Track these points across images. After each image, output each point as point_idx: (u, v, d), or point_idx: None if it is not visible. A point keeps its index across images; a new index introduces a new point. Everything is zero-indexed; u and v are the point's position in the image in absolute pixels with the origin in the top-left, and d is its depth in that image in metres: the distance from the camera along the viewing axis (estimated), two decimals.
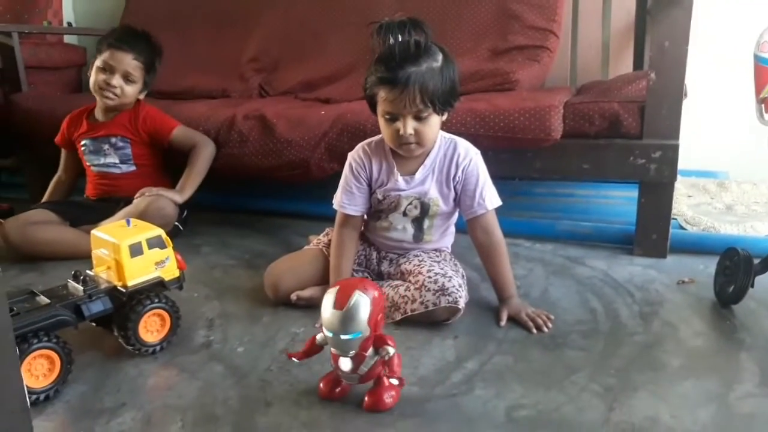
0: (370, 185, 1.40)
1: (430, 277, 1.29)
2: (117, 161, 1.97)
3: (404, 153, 1.33)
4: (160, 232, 1.23)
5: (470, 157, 1.37)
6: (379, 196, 1.40)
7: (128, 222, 1.25)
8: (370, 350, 0.99)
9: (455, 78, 1.29)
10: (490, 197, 1.37)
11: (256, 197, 2.30)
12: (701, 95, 2.26)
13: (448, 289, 1.26)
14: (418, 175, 1.37)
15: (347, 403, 1.03)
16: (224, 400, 1.05)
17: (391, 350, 0.99)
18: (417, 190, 1.37)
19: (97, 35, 2.98)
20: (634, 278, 1.54)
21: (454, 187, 1.37)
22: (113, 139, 1.96)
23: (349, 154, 1.43)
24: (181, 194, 1.87)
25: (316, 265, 1.44)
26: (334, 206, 1.42)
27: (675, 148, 1.58)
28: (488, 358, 1.17)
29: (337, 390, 1.04)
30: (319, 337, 1.04)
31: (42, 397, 1.05)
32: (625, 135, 1.64)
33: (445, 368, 1.13)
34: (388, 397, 1.01)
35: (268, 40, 2.52)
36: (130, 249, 1.17)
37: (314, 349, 1.05)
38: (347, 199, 1.40)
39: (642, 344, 1.21)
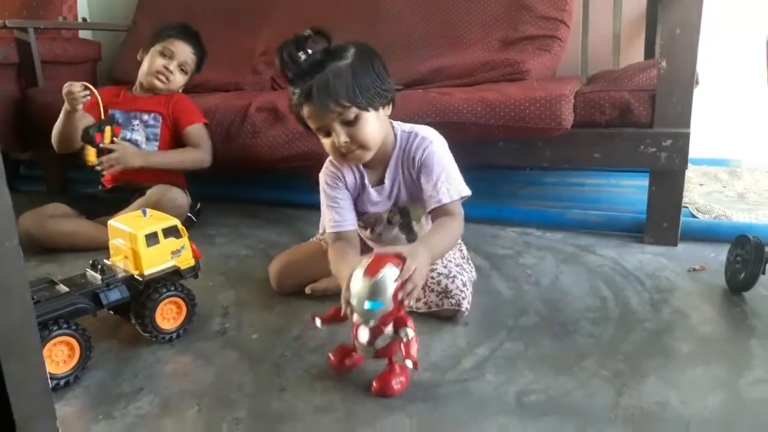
0: (351, 194, 1.34)
1: (433, 278, 1.28)
2: (141, 139, 1.98)
3: (354, 162, 1.27)
4: (175, 222, 1.25)
5: (425, 145, 1.27)
6: (359, 210, 1.35)
7: (144, 212, 1.27)
8: (390, 327, 1.01)
9: (375, 69, 1.19)
10: (448, 189, 1.24)
11: (270, 188, 2.33)
12: (713, 83, 2.24)
13: (451, 291, 1.26)
14: (387, 183, 1.31)
15: (359, 387, 1.04)
16: (239, 385, 1.07)
17: (411, 333, 1.00)
18: (389, 196, 1.33)
19: (111, 30, 3.04)
20: (645, 266, 1.54)
21: (419, 179, 1.28)
22: (145, 116, 1.98)
23: (320, 175, 1.35)
24: (144, 157, 1.88)
25: (319, 258, 1.39)
26: (327, 230, 1.33)
27: (686, 137, 1.57)
28: (499, 345, 1.18)
29: (347, 362, 1.07)
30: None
31: (62, 382, 1.08)
32: (635, 124, 1.64)
33: (456, 354, 1.15)
34: (396, 383, 1.02)
35: (279, 34, 2.51)
36: (146, 238, 1.20)
37: (338, 316, 1.07)
38: (338, 216, 1.31)
39: (652, 331, 1.21)
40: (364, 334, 1.00)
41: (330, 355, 1.08)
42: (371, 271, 0.99)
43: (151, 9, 2.85)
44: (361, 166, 1.31)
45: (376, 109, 1.20)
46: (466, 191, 1.27)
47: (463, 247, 1.47)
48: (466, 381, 1.06)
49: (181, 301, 1.25)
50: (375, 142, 1.23)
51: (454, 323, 1.26)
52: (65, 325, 1.09)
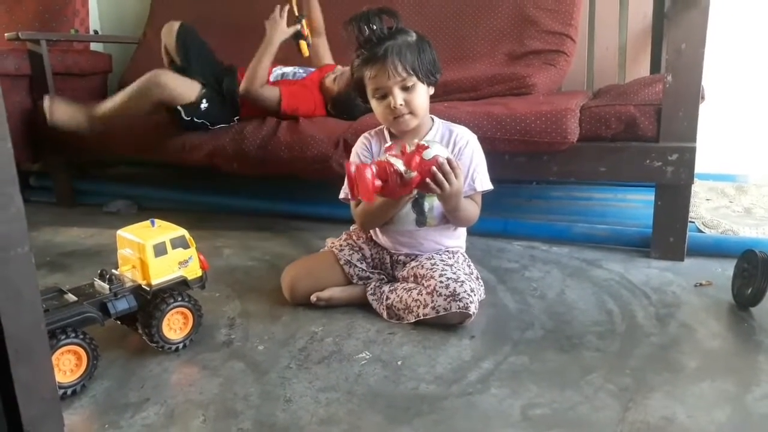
0: None
1: (441, 282, 1.30)
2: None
3: (401, 127, 1.38)
4: (183, 232, 1.26)
5: (467, 138, 1.43)
6: None
7: (153, 222, 1.28)
8: (414, 173, 1.19)
9: (432, 53, 1.37)
10: (480, 180, 1.41)
11: (277, 200, 2.34)
12: (720, 98, 2.25)
13: (459, 294, 1.27)
14: None
15: (364, 400, 1.05)
16: (245, 396, 1.07)
17: (414, 174, 1.20)
18: None
19: (123, 42, 3.07)
20: (651, 281, 1.54)
21: None
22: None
23: (354, 147, 1.51)
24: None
25: (332, 267, 1.47)
26: (350, 196, 1.44)
27: (692, 151, 1.57)
28: (504, 358, 1.18)
29: (378, 183, 1.19)
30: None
31: (69, 391, 1.09)
32: (641, 138, 1.64)
33: (461, 367, 1.15)
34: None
35: (289, 45, 2.55)
36: (154, 249, 1.21)
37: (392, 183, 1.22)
38: None
39: (658, 345, 1.21)
40: (399, 163, 1.19)
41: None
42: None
43: (161, 22, 2.87)
44: (389, 140, 1.44)
45: (428, 84, 1.37)
46: (489, 186, 1.43)
47: (471, 264, 1.47)
48: (471, 394, 1.06)
49: (187, 312, 1.25)
50: (423, 111, 1.38)
51: (460, 336, 1.26)
52: (73, 334, 1.09)
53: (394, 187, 1.21)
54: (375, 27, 1.33)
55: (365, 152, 1.47)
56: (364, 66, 1.34)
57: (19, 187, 0.60)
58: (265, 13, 2.63)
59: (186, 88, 2.08)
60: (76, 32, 2.88)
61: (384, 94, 1.34)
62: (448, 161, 1.23)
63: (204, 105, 2.07)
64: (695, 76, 1.55)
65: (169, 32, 2.19)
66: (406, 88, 1.33)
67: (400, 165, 1.19)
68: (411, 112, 1.35)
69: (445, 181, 1.22)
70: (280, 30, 2.02)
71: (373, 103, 1.38)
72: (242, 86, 2.04)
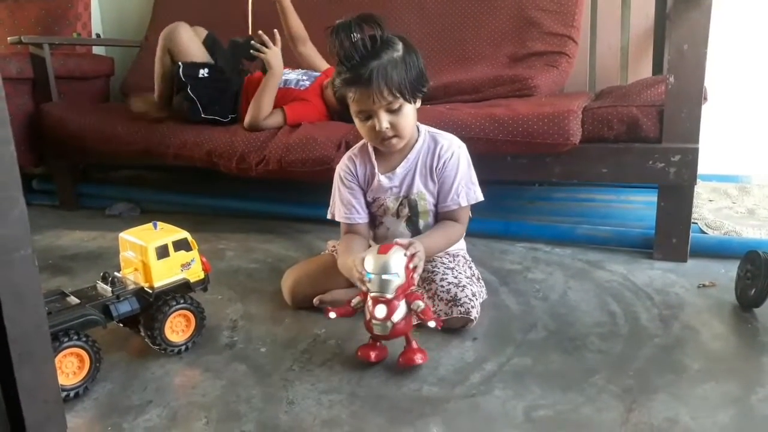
0: (362, 189, 1.43)
1: (442, 286, 1.30)
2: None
3: (386, 149, 1.34)
4: (185, 234, 1.26)
5: (453, 150, 1.36)
6: (369, 199, 1.42)
7: (155, 225, 1.28)
8: (403, 303, 1.12)
9: (420, 64, 1.28)
10: (466, 194, 1.36)
11: (279, 203, 2.34)
12: (723, 99, 2.25)
13: (460, 299, 1.27)
14: (400, 170, 1.38)
15: (367, 402, 1.04)
16: (247, 398, 1.07)
17: (422, 304, 1.12)
18: (399, 185, 1.38)
19: (125, 46, 3.08)
20: (654, 282, 1.53)
21: (438, 180, 1.37)
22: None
23: (337, 168, 1.45)
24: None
25: (333, 270, 1.45)
26: (336, 218, 1.44)
27: (694, 152, 1.57)
28: (507, 360, 1.17)
29: (373, 354, 1.15)
30: (354, 300, 1.17)
31: (72, 394, 1.09)
32: (644, 139, 1.64)
33: (464, 369, 1.15)
34: (419, 358, 1.13)
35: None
36: (156, 251, 1.21)
37: (349, 310, 1.18)
38: (348, 211, 1.41)
39: (661, 347, 1.20)
40: (381, 310, 1.10)
41: (358, 351, 1.17)
42: (383, 250, 1.13)
43: (163, 25, 2.88)
44: (373, 158, 1.40)
45: (414, 101, 1.30)
46: (481, 197, 1.38)
47: (473, 265, 1.47)
48: (474, 396, 1.05)
49: (190, 314, 1.25)
50: (410, 132, 1.33)
51: (462, 338, 1.26)
52: (75, 337, 1.09)
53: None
54: (356, 39, 1.21)
55: (349, 177, 1.41)
56: (347, 87, 1.25)
57: (22, 191, 0.60)
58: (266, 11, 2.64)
59: (194, 48, 2.18)
60: (79, 36, 2.89)
61: (368, 116, 1.28)
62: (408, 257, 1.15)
63: (203, 72, 2.13)
64: (697, 77, 1.55)
65: (194, 33, 2.26)
66: (391, 111, 1.26)
67: (402, 310, 1.12)
68: (396, 135, 1.29)
69: (420, 266, 1.18)
70: (279, 57, 2.03)
71: (357, 123, 1.32)
72: (247, 120, 2.04)
